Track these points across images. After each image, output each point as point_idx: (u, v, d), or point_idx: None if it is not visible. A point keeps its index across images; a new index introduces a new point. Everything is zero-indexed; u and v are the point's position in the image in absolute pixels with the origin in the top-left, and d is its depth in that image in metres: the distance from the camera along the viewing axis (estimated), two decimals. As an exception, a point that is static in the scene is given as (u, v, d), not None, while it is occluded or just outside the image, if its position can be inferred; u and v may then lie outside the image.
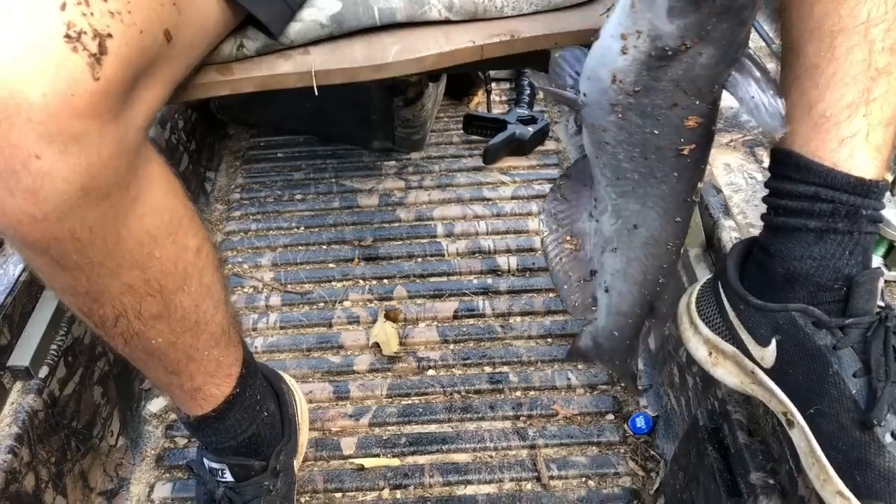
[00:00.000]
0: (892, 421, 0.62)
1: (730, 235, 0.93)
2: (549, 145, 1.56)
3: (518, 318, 1.22)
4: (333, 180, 1.51)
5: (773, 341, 0.69)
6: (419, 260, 1.33)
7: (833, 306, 0.66)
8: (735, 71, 0.54)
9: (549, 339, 1.19)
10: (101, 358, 1.04)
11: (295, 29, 0.74)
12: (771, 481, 0.77)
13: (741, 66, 0.54)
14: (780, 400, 0.70)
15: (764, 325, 0.70)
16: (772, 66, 0.61)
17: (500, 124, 1.52)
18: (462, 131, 1.57)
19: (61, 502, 0.91)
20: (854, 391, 0.63)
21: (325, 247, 1.37)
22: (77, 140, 0.52)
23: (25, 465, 0.85)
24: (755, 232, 0.80)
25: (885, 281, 0.76)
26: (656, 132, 0.57)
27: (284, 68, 0.74)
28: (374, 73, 0.75)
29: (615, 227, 0.65)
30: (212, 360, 0.75)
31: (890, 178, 0.72)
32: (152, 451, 1.08)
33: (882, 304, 0.68)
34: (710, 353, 0.77)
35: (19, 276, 0.94)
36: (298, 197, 1.48)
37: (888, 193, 0.86)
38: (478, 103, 1.66)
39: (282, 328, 1.23)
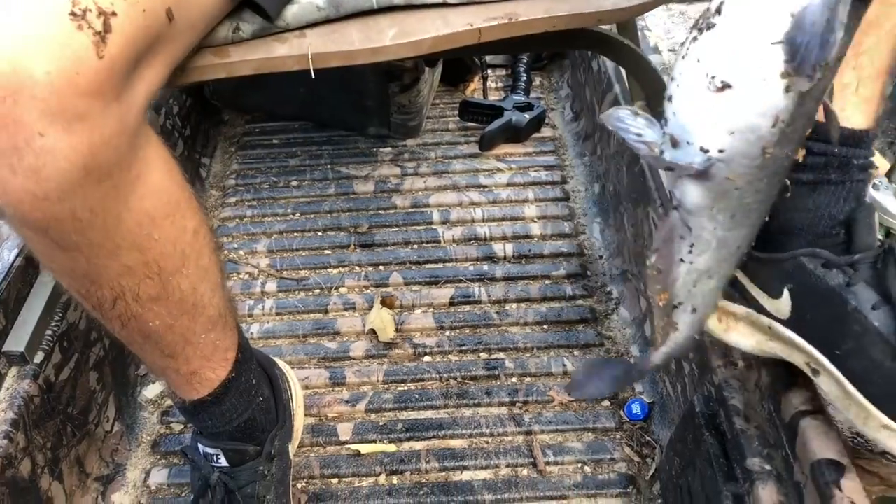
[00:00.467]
0: None
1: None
2: (546, 132, 1.55)
3: (514, 305, 1.22)
4: (329, 166, 1.50)
5: (786, 291, 0.69)
6: (415, 247, 1.33)
7: (836, 249, 0.66)
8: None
9: (545, 326, 1.19)
10: (97, 343, 1.04)
11: (291, 12, 0.74)
12: (767, 467, 0.77)
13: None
14: (802, 349, 0.69)
15: (773, 277, 0.69)
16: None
17: (496, 111, 1.51)
18: (458, 118, 1.56)
19: (57, 488, 0.91)
20: (877, 324, 0.63)
21: (320, 233, 1.37)
22: (81, 118, 0.52)
23: (21, 450, 0.85)
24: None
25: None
26: (790, 153, 0.56)
27: (281, 51, 0.74)
28: (371, 57, 0.75)
29: (718, 257, 0.63)
30: (208, 344, 0.74)
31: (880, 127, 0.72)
32: (148, 437, 1.08)
33: (880, 238, 0.69)
34: (721, 320, 0.75)
35: (14, 261, 0.93)
36: (294, 183, 1.47)
37: (885, 180, 0.87)
38: (474, 90, 1.65)
39: (278, 314, 1.23)
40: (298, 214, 1.40)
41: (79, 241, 0.59)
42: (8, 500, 0.82)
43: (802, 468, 0.72)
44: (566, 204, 1.40)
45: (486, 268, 1.29)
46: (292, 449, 0.98)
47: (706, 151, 0.54)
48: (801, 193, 0.67)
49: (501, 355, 1.15)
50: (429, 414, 1.08)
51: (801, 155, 0.57)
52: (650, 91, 1.05)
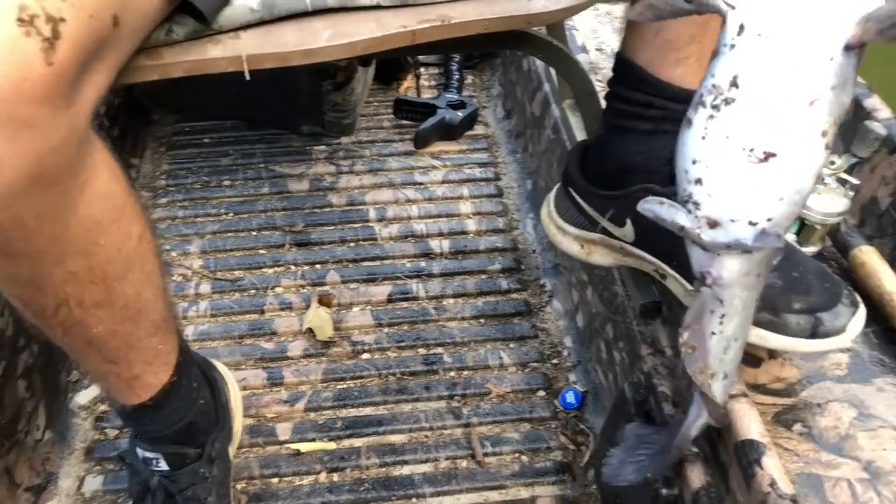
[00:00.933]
0: None
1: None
2: (479, 130, 1.58)
3: (451, 300, 1.24)
4: (262, 165, 1.49)
5: (628, 220, 0.82)
6: (352, 244, 1.34)
7: (664, 182, 0.77)
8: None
9: (482, 320, 1.21)
10: (25, 350, 1.02)
11: (225, 14, 0.74)
12: (695, 449, 0.81)
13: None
14: (650, 261, 0.84)
15: (617, 210, 0.83)
16: None
17: (429, 109, 1.53)
18: (392, 116, 1.57)
19: (-12, 499, 0.89)
20: None
21: (255, 233, 1.36)
22: (28, 125, 0.51)
23: (-51, 461, 0.83)
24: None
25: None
26: None
27: (215, 53, 0.74)
28: (305, 58, 0.75)
29: (744, 318, 0.64)
30: (151, 349, 0.74)
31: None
32: (81, 444, 1.06)
33: None
34: (583, 246, 0.89)
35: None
36: (227, 183, 1.46)
37: (799, 174, 0.91)
38: (407, 88, 1.66)
39: (213, 316, 1.22)
40: (232, 214, 1.39)
41: (24, 247, 0.58)
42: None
43: (727, 449, 0.76)
44: (500, 200, 1.42)
45: (423, 264, 1.30)
46: (232, 450, 0.98)
47: (755, 224, 0.53)
48: (640, 139, 0.78)
49: (439, 350, 1.17)
50: (368, 411, 1.09)
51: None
52: (578, 90, 1.08)
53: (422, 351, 1.17)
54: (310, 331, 1.19)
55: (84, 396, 1.10)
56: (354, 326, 1.20)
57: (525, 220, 1.38)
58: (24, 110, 0.51)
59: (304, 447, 1.04)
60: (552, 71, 1.33)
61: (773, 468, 0.70)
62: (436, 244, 1.33)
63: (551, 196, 0.93)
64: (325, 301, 1.22)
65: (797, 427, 0.78)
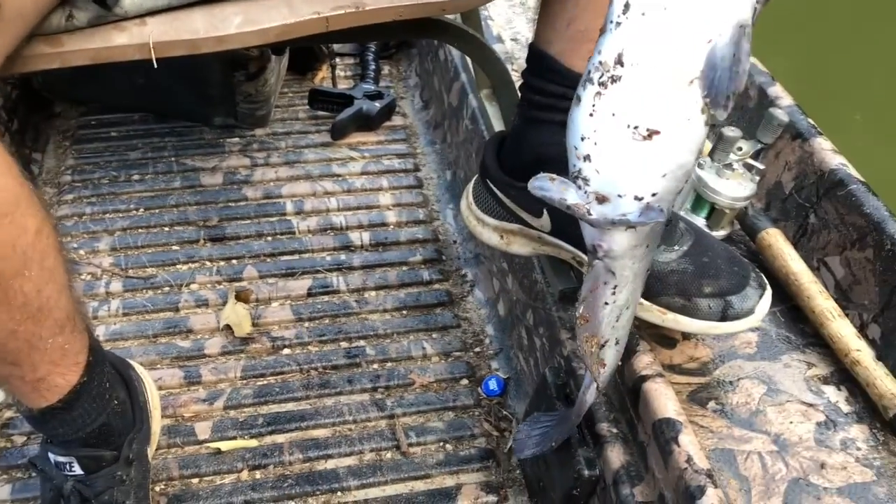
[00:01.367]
0: None
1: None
2: (397, 121, 1.57)
3: (373, 293, 1.24)
4: (173, 159, 1.45)
5: (545, 211, 0.83)
6: (269, 238, 1.31)
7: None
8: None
9: (404, 311, 1.21)
10: (-79, 356, 0.96)
11: (130, -2, 0.71)
12: (614, 430, 0.83)
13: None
14: (567, 250, 0.86)
15: (533, 201, 0.82)
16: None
17: (346, 99, 1.51)
18: (308, 107, 1.55)
19: None
20: None
21: (167, 228, 1.32)
22: None
23: None
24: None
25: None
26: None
27: (120, 40, 0.71)
28: (216, 45, 0.73)
29: (634, 287, 0.66)
30: (56, 349, 0.71)
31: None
32: (-14, 453, 1.01)
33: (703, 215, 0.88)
34: (502, 237, 0.90)
35: None
36: (136, 177, 1.41)
37: (709, 160, 0.94)
38: (323, 78, 1.64)
39: (125, 315, 1.18)
40: (142, 210, 1.35)
41: None
42: None
43: (645, 429, 0.78)
44: (420, 191, 1.42)
45: (343, 257, 1.29)
46: (150, 452, 0.95)
47: (640, 199, 0.55)
48: (555, 131, 0.77)
49: (362, 343, 1.16)
50: (290, 406, 1.08)
51: None
52: (495, 79, 1.09)
53: (344, 344, 1.16)
54: (227, 327, 1.16)
55: (-13, 403, 1.05)
56: (273, 322, 1.18)
57: (445, 211, 1.39)
58: None
59: (224, 446, 1.02)
60: (469, 61, 1.33)
61: (689, 445, 0.72)
62: (356, 236, 1.32)
63: (470, 187, 0.93)
64: (242, 297, 1.19)
65: (711, 404, 0.81)
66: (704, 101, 0.52)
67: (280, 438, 1.04)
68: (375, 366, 1.13)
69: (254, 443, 1.03)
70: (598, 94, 0.53)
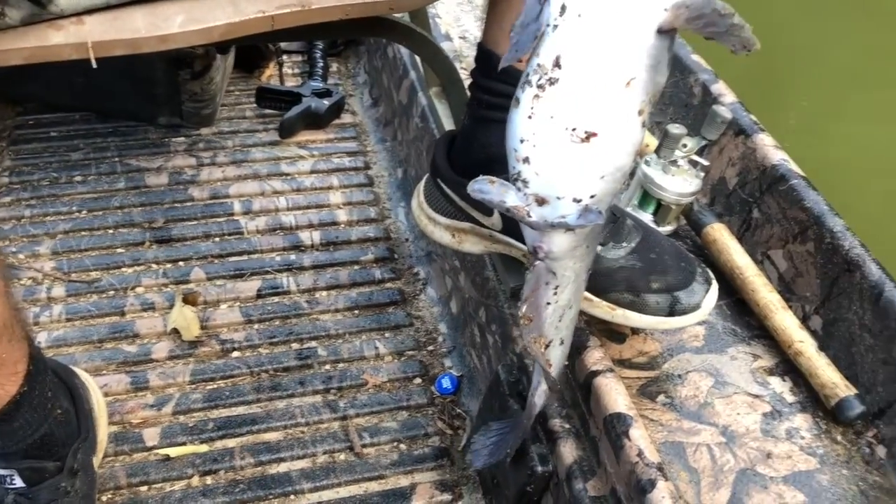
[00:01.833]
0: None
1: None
2: (346, 118, 1.56)
3: (324, 293, 1.22)
4: (117, 159, 1.41)
5: (496, 210, 0.80)
6: (217, 239, 1.29)
7: None
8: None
9: (356, 311, 1.20)
10: None
11: (66, -4, 0.69)
12: (567, 426, 0.83)
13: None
14: (518, 247, 0.85)
15: None
16: None
17: (294, 97, 1.49)
18: (255, 105, 1.53)
19: None
20: None
21: (111, 231, 1.28)
22: None
23: None
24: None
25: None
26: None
27: (57, 39, 0.69)
28: (158, 45, 0.71)
29: (576, 287, 0.67)
30: (-7, 359, 0.68)
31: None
32: (-78, 467, 0.97)
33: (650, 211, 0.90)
34: (454, 235, 0.90)
35: None
36: (78, 178, 1.37)
37: (655, 156, 0.96)
38: (270, 76, 1.62)
39: (68, 320, 1.15)
40: (85, 212, 1.31)
41: None
42: None
43: (597, 423, 0.79)
44: (371, 189, 1.41)
45: (293, 257, 1.27)
46: (97, 461, 0.93)
47: (579, 201, 0.55)
48: (503, 131, 0.78)
49: (313, 344, 1.15)
50: (241, 410, 1.06)
51: None
52: (444, 77, 1.09)
53: (295, 346, 1.15)
54: (175, 331, 1.14)
55: (-77, 415, 1.01)
56: (222, 324, 1.16)
57: (397, 209, 1.38)
58: None
59: (173, 452, 1.00)
60: (418, 59, 1.33)
61: (640, 439, 0.73)
62: (306, 236, 1.31)
63: (421, 186, 0.93)
64: (189, 299, 1.17)
65: (661, 398, 0.82)
66: (641, 103, 0.53)
67: (231, 443, 1.02)
68: (327, 367, 1.12)
69: (204, 448, 1.01)
70: (537, 96, 0.53)
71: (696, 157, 0.95)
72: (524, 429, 0.80)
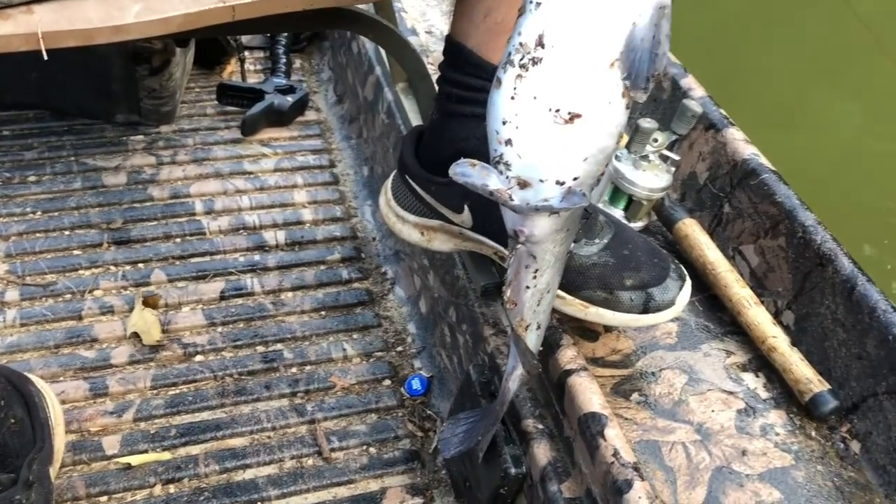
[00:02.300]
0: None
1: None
2: (310, 115, 1.53)
3: (290, 294, 1.20)
4: (73, 158, 1.37)
5: (466, 207, 0.82)
6: (177, 240, 1.25)
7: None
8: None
9: (323, 312, 1.18)
10: None
11: (13, -16, 0.65)
12: (540, 426, 0.82)
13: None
14: (489, 245, 0.84)
15: (454, 197, 0.82)
16: None
17: (256, 94, 1.46)
18: (216, 102, 1.49)
19: None
20: None
21: (67, 232, 1.24)
22: None
23: None
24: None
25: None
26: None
27: (4, 29, 0.65)
28: (113, 36, 0.68)
29: (555, 271, 0.66)
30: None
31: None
32: None
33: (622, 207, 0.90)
34: (423, 233, 0.88)
35: None
36: (32, 178, 1.32)
37: (626, 151, 0.95)
38: (231, 72, 1.58)
39: (23, 325, 1.10)
40: (40, 213, 1.27)
41: None
42: None
43: (571, 423, 0.77)
44: (336, 188, 1.39)
45: (257, 257, 1.24)
46: (53, 471, 0.89)
47: (562, 183, 0.54)
48: (474, 124, 0.77)
49: (279, 346, 1.12)
50: (205, 415, 1.03)
51: None
52: (411, 72, 1.07)
53: (260, 349, 1.12)
54: (135, 335, 1.10)
55: None
56: (185, 328, 1.12)
57: (363, 208, 1.36)
58: None
59: (135, 460, 0.97)
60: (383, 53, 1.31)
61: (615, 439, 0.72)
62: (270, 236, 1.27)
63: (388, 183, 0.91)
64: (150, 302, 1.13)
65: (635, 396, 0.81)
66: (625, 84, 0.51)
67: (195, 450, 0.99)
68: (294, 370, 1.09)
69: (167, 455, 0.98)
70: (519, 76, 0.52)
71: (666, 152, 0.94)
72: (496, 415, 0.78)
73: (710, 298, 0.91)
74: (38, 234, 1.23)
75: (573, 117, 0.52)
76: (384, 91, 1.30)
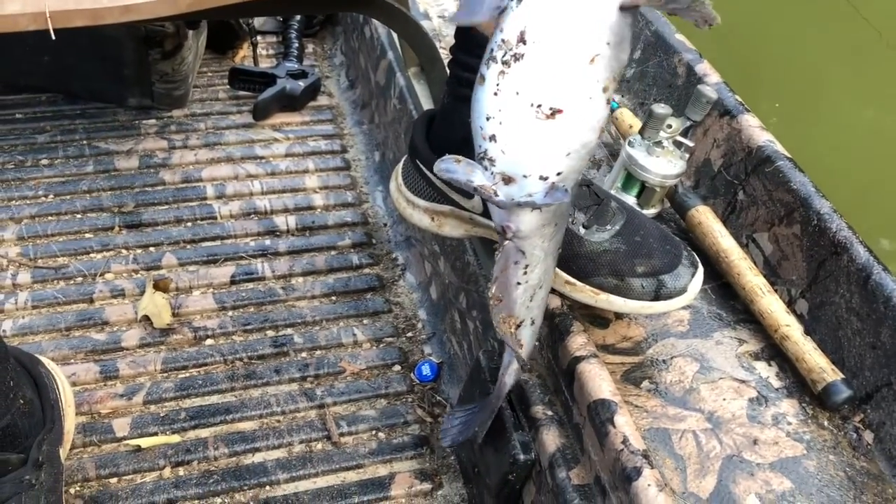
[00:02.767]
0: (580, 217, 0.78)
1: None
2: (322, 101, 1.52)
3: (300, 279, 1.19)
4: (85, 142, 1.37)
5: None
6: (189, 224, 1.25)
7: None
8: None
9: (333, 297, 1.17)
10: None
11: (22, -37, 0.65)
12: (549, 413, 0.81)
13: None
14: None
15: None
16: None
17: (268, 78, 1.45)
18: (228, 86, 1.49)
19: None
20: None
21: (79, 215, 1.24)
22: None
23: None
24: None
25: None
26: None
27: (12, 8, 0.65)
28: (121, 15, 0.68)
29: (546, 267, 0.66)
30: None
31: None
32: None
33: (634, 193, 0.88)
34: (433, 218, 0.87)
35: None
36: (45, 162, 1.33)
37: (639, 137, 0.93)
38: (243, 57, 1.58)
39: (34, 307, 1.11)
40: (52, 196, 1.27)
41: None
42: None
43: (580, 410, 0.77)
44: (348, 173, 1.38)
45: (268, 242, 1.24)
46: (63, 452, 0.90)
47: (545, 179, 0.55)
48: None
49: (289, 331, 1.12)
50: (214, 399, 1.03)
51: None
52: (424, 56, 1.06)
53: (270, 333, 1.12)
54: (145, 318, 1.10)
55: None
56: (195, 311, 1.13)
57: (374, 193, 1.35)
58: None
59: (144, 442, 0.97)
60: (395, 38, 1.30)
61: (625, 426, 0.71)
62: (281, 221, 1.27)
63: (399, 168, 0.90)
64: (161, 286, 1.14)
65: (645, 384, 0.80)
66: (605, 80, 0.52)
67: (204, 433, 0.99)
68: (304, 354, 1.09)
69: (176, 438, 0.98)
70: (502, 72, 0.52)
71: (680, 138, 0.93)
72: (493, 408, 0.78)
73: (722, 286, 0.90)
74: (50, 218, 1.23)
75: (555, 112, 0.52)
76: (396, 76, 1.29)
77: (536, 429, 0.81)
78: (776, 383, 0.81)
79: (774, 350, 0.84)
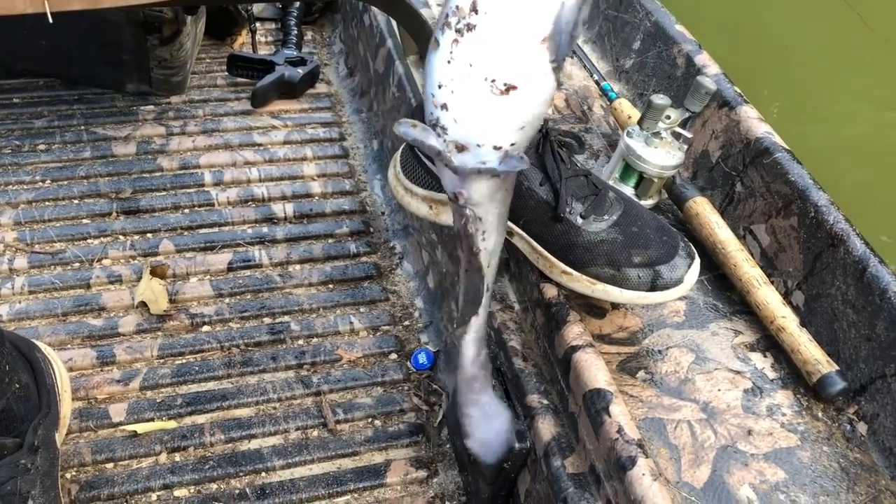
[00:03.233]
0: (577, 207, 0.79)
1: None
2: (321, 88, 1.52)
3: (297, 266, 1.19)
4: (83, 128, 1.36)
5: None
6: (186, 211, 1.25)
7: None
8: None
9: (331, 285, 1.17)
10: None
11: (19, -55, 0.65)
12: (545, 402, 0.82)
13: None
14: None
15: None
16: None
17: (267, 65, 1.45)
18: (226, 73, 1.48)
19: None
20: (544, 196, 0.78)
21: (77, 201, 1.24)
22: None
23: None
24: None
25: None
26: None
27: (9, -9, 0.65)
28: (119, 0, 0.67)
29: (500, 230, 0.66)
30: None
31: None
32: None
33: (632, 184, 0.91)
34: (431, 207, 0.87)
35: None
36: (42, 147, 1.32)
37: (638, 128, 0.93)
38: (242, 44, 1.57)
39: (31, 292, 1.11)
40: (49, 181, 1.27)
41: None
42: None
43: (576, 399, 0.77)
44: (346, 161, 1.38)
45: (265, 229, 1.24)
46: (59, 437, 0.90)
47: (499, 149, 0.55)
48: None
49: (286, 318, 1.12)
50: (211, 385, 1.03)
51: None
52: (423, 42, 1.06)
53: (267, 320, 1.12)
54: (142, 304, 1.10)
55: None
56: (192, 298, 1.13)
57: (373, 182, 1.35)
58: None
59: (140, 428, 0.97)
60: (395, 26, 1.29)
61: (620, 415, 0.71)
62: (279, 208, 1.27)
63: (397, 156, 0.90)
64: (158, 272, 1.14)
65: (641, 374, 0.80)
66: (553, 60, 0.53)
67: (200, 419, 0.99)
68: (301, 342, 1.09)
69: (172, 424, 0.98)
70: (456, 41, 0.52)
71: (679, 130, 0.93)
72: (455, 382, 0.79)
73: (719, 278, 0.90)
74: (47, 203, 1.23)
75: (509, 89, 0.52)
76: (395, 64, 1.29)
77: (532, 417, 0.81)
78: (771, 374, 0.82)
79: (770, 341, 0.84)
